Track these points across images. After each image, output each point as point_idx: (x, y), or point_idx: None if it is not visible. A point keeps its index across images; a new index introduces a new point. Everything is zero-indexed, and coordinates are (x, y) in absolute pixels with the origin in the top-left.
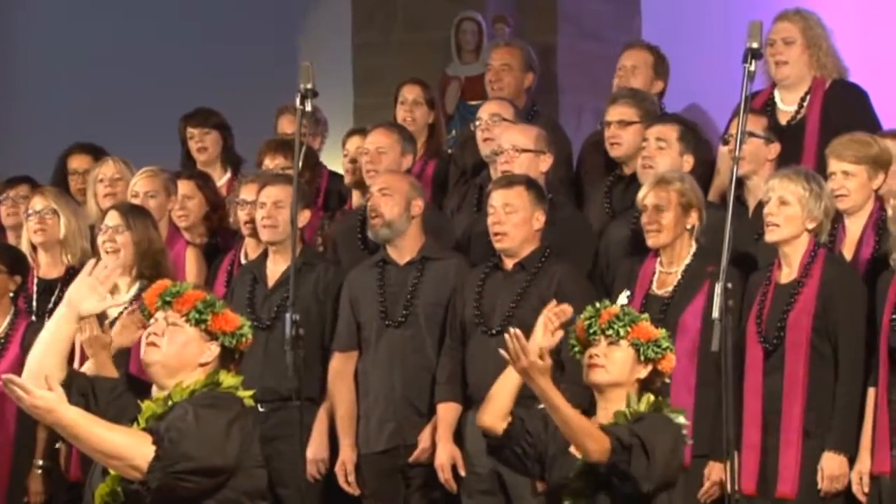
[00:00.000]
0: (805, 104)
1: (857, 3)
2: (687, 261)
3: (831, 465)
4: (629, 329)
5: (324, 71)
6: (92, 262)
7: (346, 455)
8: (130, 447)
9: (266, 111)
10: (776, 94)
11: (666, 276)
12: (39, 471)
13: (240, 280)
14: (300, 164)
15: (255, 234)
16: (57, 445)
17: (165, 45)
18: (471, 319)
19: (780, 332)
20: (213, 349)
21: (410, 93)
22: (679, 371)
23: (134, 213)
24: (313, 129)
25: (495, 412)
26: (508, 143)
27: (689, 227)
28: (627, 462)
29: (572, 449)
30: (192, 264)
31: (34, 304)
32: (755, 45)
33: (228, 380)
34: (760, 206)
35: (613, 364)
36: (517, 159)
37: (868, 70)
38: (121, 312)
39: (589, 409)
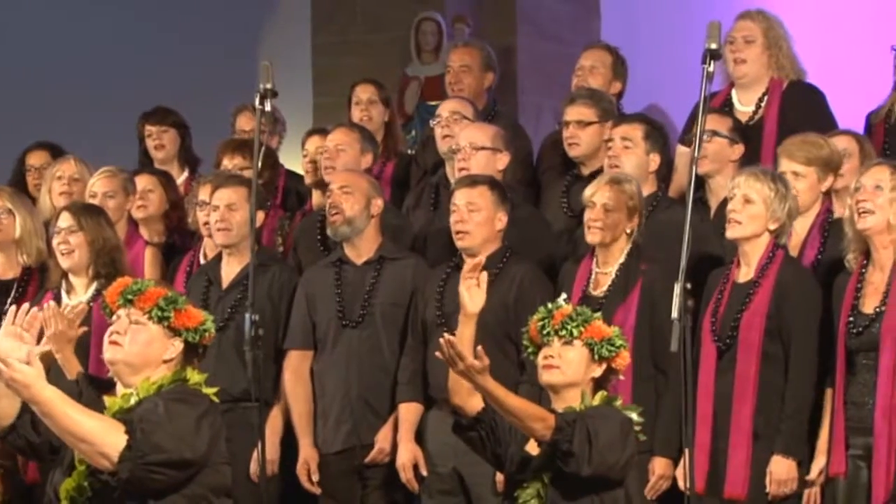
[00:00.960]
0: (763, 105)
1: (815, 6)
2: (621, 260)
3: (780, 468)
4: (583, 329)
5: (283, 70)
6: (13, 309)
7: (308, 454)
8: (102, 433)
9: (225, 111)
10: (734, 94)
11: (601, 276)
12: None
13: (195, 281)
14: (259, 164)
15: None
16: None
17: (124, 45)
18: (432, 319)
19: (733, 331)
20: (177, 345)
21: (364, 92)
22: None
23: (86, 213)
24: (271, 129)
25: (460, 392)
26: (465, 140)
27: (629, 231)
28: (570, 441)
29: (528, 447)
30: (150, 263)
31: None
32: (714, 46)
33: (195, 376)
34: (722, 206)
35: (568, 364)
36: (474, 157)
37: (825, 72)
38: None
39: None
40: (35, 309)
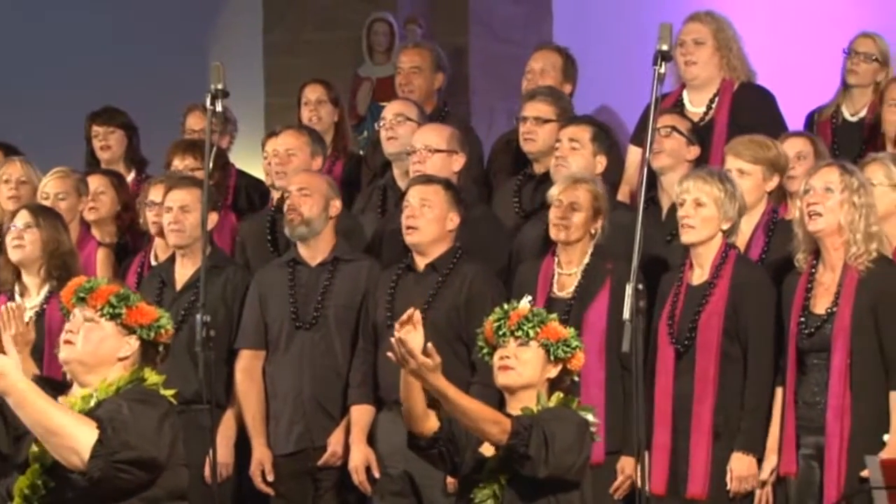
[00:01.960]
0: (713, 106)
1: (765, 7)
2: (586, 261)
3: (740, 465)
4: (538, 329)
5: (234, 70)
6: None
7: (262, 455)
8: (73, 427)
9: (176, 110)
10: (685, 95)
11: (566, 277)
12: None
13: (148, 283)
14: (210, 164)
15: (163, 235)
16: None
17: (74, 44)
18: (383, 321)
19: (691, 333)
20: (132, 343)
21: (313, 93)
22: (588, 368)
23: (44, 214)
24: (222, 128)
25: (415, 417)
26: (421, 143)
27: (592, 231)
28: (525, 444)
29: (482, 448)
30: (102, 264)
31: None
32: (665, 48)
33: (152, 377)
34: (674, 207)
35: (524, 365)
36: (430, 159)
37: (775, 74)
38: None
39: (500, 410)
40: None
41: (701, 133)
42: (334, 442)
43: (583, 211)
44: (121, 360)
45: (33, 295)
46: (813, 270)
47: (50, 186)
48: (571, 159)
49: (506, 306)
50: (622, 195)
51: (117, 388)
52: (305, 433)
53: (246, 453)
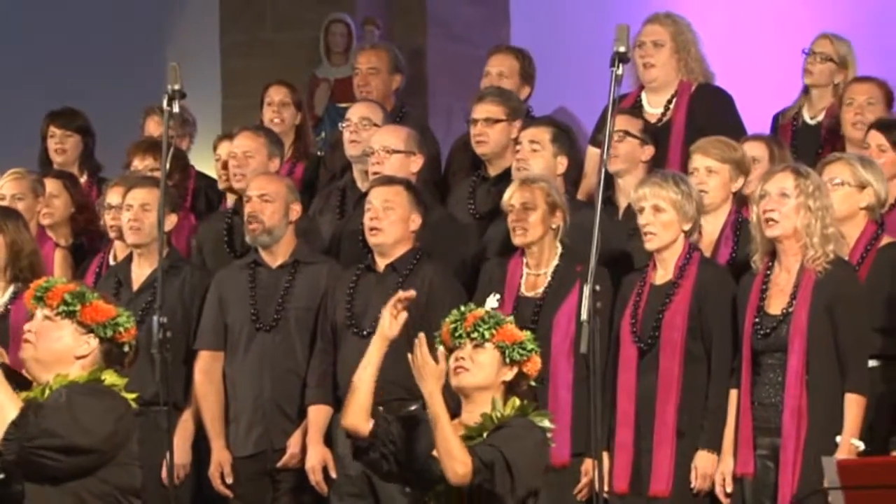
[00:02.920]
0: (671, 107)
1: (723, 9)
2: (555, 262)
3: (705, 463)
4: (494, 331)
5: (191, 72)
6: None
7: (221, 456)
8: (3, 408)
9: (133, 112)
10: (643, 96)
11: (535, 278)
12: None
13: (104, 283)
14: (168, 165)
15: (122, 236)
16: None
17: (31, 44)
18: (342, 321)
19: (654, 332)
20: (92, 343)
21: (277, 94)
22: (557, 371)
23: (6, 216)
24: (181, 130)
25: (357, 411)
26: (379, 144)
27: (553, 227)
28: (491, 481)
29: (436, 452)
30: (60, 265)
31: None
32: (622, 49)
33: (112, 378)
34: (631, 206)
35: (479, 367)
36: (388, 160)
37: (735, 75)
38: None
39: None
40: None
41: (655, 131)
42: (293, 444)
43: (536, 209)
44: (79, 358)
45: None
46: (768, 272)
47: (7, 187)
48: (532, 161)
49: (462, 308)
50: (582, 196)
51: (71, 382)
52: (265, 435)
53: (205, 455)
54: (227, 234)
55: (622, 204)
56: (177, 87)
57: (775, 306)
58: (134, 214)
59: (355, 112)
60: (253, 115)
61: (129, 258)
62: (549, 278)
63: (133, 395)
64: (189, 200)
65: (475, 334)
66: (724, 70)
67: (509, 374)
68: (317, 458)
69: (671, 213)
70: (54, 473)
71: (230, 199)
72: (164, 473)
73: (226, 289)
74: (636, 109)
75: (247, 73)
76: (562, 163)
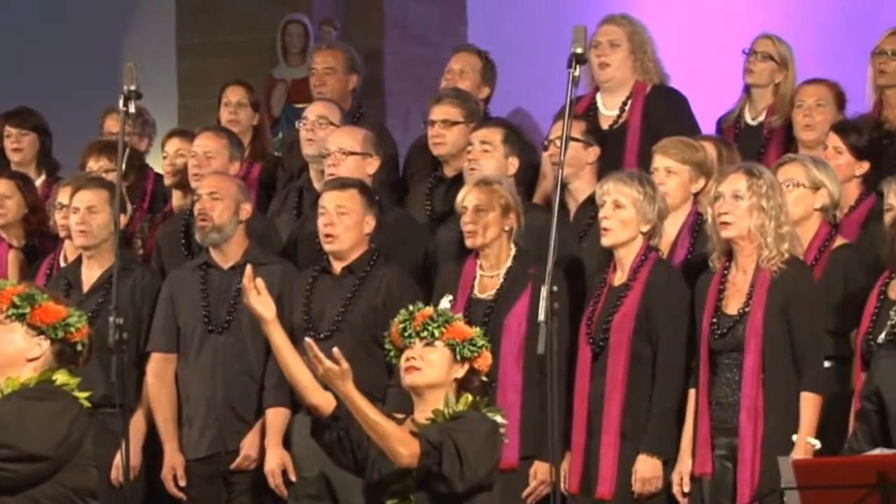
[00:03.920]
0: (627, 108)
1: (679, 11)
2: (508, 263)
3: (645, 467)
4: (444, 329)
5: (148, 72)
6: None
7: (174, 458)
8: None
9: (91, 112)
10: (598, 97)
11: (488, 279)
12: None
13: (54, 284)
14: (124, 166)
15: (72, 237)
16: None
17: None
18: (299, 324)
19: (605, 333)
20: (43, 344)
21: (234, 94)
22: (506, 373)
23: None
24: (141, 130)
25: (307, 389)
26: (335, 146)
27: (507, 228)
28: (438, 463)
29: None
30: (13, 266)
31: None
32: (579, 50)
33: (63, 378)
34: (581, 208)
35: (430, 365)
36: (344, 162)
37: (690, 77)
38: None
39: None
40: None
41: (606, 133)
42: (248, 445)
43: (490, 211)
44: (31, 360)
45: None
46: (725, 272)
47: None
48: (483, 161)
49: (411, 307)
50: (538, 198)
51: (22, 385)
52: (218, 437)
53: (158, 456)
54: (184, 235)
55: (572, 207)
56: (133, 87)
57: (732, 306)
58: (81, 217)
59: (312, 111)
60: (210, 116)
61: (78, 260)
62: (501, 280)
63: (85, 394)
64: (147, 202)
65: (424, 333)
66: (677, 71)
67: (460, 371)
68: (276, 461)
69: (631, 211)
70: (13, 484)
71: (175, 198)
72: (113, 475)
73: (177, 290)
74: (591, 111)
75: (203, 73)
76: (513, 163)
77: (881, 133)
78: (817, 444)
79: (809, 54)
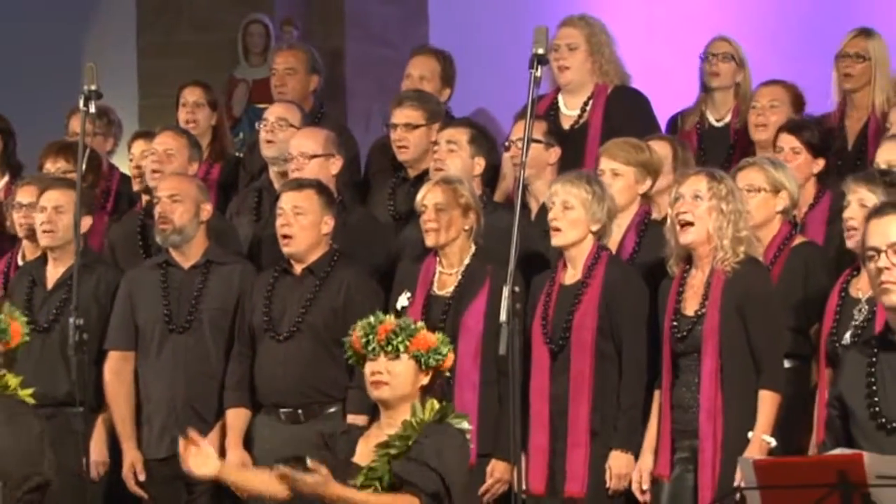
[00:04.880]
0: (588, 109)
1: (639, 11)
2: (467, 262)
3: (619, 463)
4: (408, 343)
5: (108, 72)
6: None
7: (133, 457)
8: None
9: (53, 113)
10: (560, 98)
11: (447, 276)
12: None
13: (18, 281)
14: (83, 167)
15: (32, 236)
16: None
17: None
18: (259, 325)
19: (565, 332)
20: None
21: (192, 95)
22: (463, 371)
23: None
24: (107, 131)
25: (265, 492)
26: (297, 150)
27: (467, 227)
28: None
29: (355, 458)
30: None
31: None
32: (541, 51)
33: (11, 380)
34: (543, 208)
35: (396, 378)
36: (307, 165)
37: (648, 76)
38: None
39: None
40: None
41: (567, 133)
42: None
43: (451, 209)
44: None
45: None
46: (685, 274)
47: None
48: (450, 161)
49: (371, 319)
50: (498, 197)
51: None
52: (179, 438)
53: (119, 455)
54: (140, 235)
55: (534, 207)
56: (93, 87)
57: (690, 308)
58: (47, 216)
59: (272, 112)
60: (171, 116)
61: (43, 257)
62: (460, 277)
63: (28, 392)
64: (112, 203)
65: (389, 348)
66: (638, 71)
67: (426, 379)
68: (236, 461)
69: (580, 211)
70: None
71: (145, 201)
72: (80, 474)
73: (136, 289)
74: (552, 112)
75: (164, 73)
76: (479, 163)
77: (827, 127)
78: (772, 442)
79: (768, 54)
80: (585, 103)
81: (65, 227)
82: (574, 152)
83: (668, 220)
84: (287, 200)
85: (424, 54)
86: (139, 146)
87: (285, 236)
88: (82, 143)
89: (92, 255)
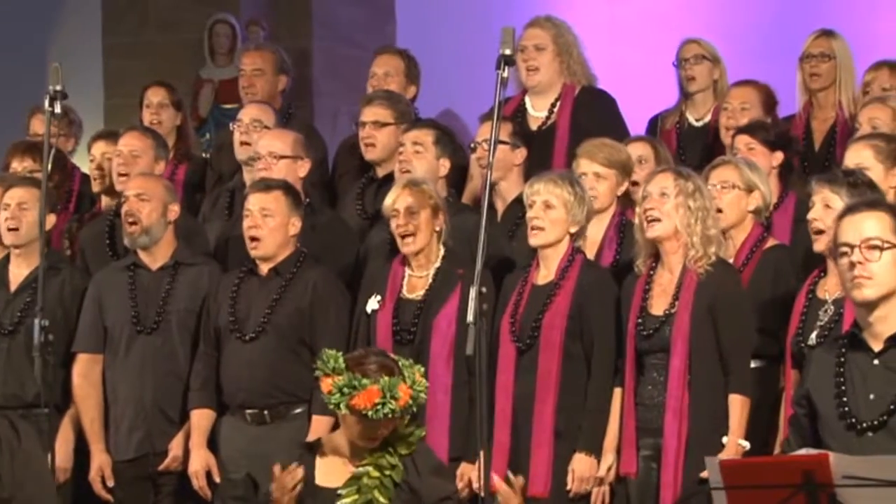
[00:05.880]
0: (555, 110)
1: (605, 12)
2: (437, 264)
3: (581, 466)
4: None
5: (74, 72)
6: None
7: (101, 460)
8: None
9: (16, 112)
10: (527, 100)
11: (416, 279)
12: None
13: None
14: (49, 166)
15: None
16: None
17: None
18: (225, 325)
19: (534, 331)
20: None
21: (155, 95)
22: (435, 374)
23: None
24: (67, 131)
25: None
26: (265, 150)
27: (437, 229)
28: None
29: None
30: None
31: None
32: (508, 52)
33: None
34: (509, 209)
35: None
36: (275, 166)
37: (615, 76)
38: None
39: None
40: None
41: (534, 134)
42: (175, 446)
43: (421, 211)
44: None
45: None
46: (651, 272)
47: None
48: (416, 162)
49: (356, 384)
50: (466, 199)
51: None
52: (146, 439)
53: (86, 457)
54: (108, 236)
55: (500, 208)
56: (58, 87)
57: (658, 307)
58: (11, 213)
59: (247, 114)
60: (136, 116)
61: (6, 258)
62: (430, 280)
63: None
64: (74, 203)
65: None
66: (604, 72)
67: (406, 418)
68: (200, 462)
69: (561, 211)
70: None
71: (105, 202)
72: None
73: (105, 290)
74: (520, 113)
75: (130, 73)
76: (444, 165)
77: (784, 125)
78: (747, 446)
79: (737, 54)
80: (553, 104)
81: (28, 225)
82: (542, 153)
83: (637, 219)
84: (255, 202)
85: (388, 53)
86: (100, 147)
87: (253, 238)
88: (47, 143)
89: (57, 256)
